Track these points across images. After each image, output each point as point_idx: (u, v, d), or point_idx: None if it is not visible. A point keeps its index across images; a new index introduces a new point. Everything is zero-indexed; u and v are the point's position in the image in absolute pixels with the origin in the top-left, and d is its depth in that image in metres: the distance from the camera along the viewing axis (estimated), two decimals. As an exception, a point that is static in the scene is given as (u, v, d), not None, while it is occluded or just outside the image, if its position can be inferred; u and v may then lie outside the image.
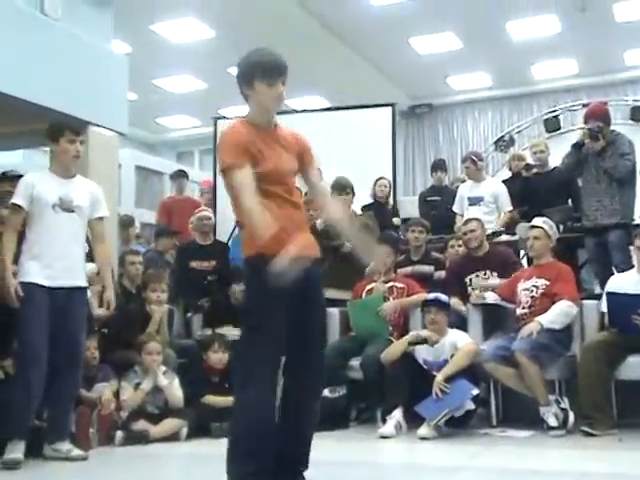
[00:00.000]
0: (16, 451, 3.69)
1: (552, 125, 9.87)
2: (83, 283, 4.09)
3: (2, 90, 5.18)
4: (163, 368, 4.71)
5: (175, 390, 4.66)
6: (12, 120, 5.78)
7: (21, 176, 4.26)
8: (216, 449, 4.21)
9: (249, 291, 2.78)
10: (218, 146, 2.80)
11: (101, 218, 4.19)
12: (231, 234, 6.50)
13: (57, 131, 4.05)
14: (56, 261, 3.92)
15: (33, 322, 3.80)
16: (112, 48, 6.61)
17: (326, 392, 4.70)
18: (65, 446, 3.90)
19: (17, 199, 3.94)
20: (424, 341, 4.63)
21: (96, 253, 4.24)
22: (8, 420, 3.76)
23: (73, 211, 4.02)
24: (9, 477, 3.51)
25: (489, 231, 5.84)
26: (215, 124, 8.57)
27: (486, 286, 5.12)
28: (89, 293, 4.88)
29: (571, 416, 4.40)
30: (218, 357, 4.89)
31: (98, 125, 5.95)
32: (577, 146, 5.66)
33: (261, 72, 2.76)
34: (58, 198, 3.97)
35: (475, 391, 4.42)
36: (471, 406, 4.46)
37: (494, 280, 5.17)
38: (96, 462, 3.92)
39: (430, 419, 4.33)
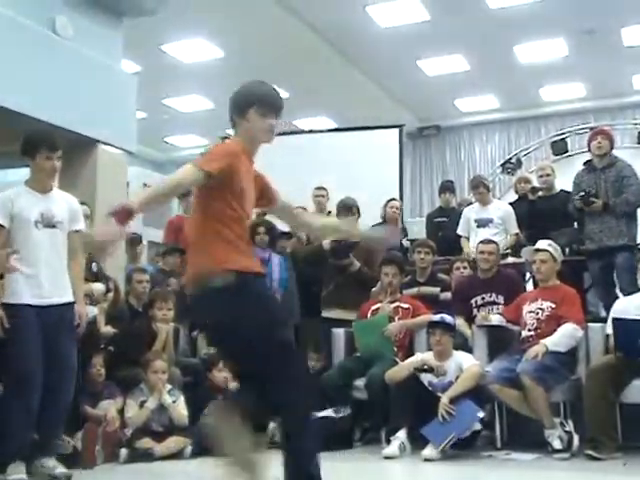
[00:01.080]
0: (19, 472, 3.68)
1: (559, 148, 9.89)
2: (71, 298, 3.98)
3: (13, 108, 5.24)
4: (169, 386, 4.72)
5: (180, 408, 4.67)
6: (17, 137, 5.81)
7: None
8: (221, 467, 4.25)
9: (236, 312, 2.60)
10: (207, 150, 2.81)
11: (77, 231, 4.06)
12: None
13: (32, 147, 3.89)
14: (43, 279, 3.83)
15: (26, 345, 3.73)
16: (122, 67, 6.69)
17: (330, 412, 4.71)
18: (51, 462, 3.85)
19: None
20: (431, 369, 4.62)
21: (70, 267, 4.02)
22: (9, 442, 3.73)
23: (55, 226, 3.92)
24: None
25: (496, 253, 5.85)
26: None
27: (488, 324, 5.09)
28: (96, 311, 4.92)
29: (576, 439, 4.38)
30: (223, 376, 4.90)
31: (107, 144, 6.00)
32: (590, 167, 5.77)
33: (259, 102, 2.78)
34: (39, 214, 3.87)
35: (481, 413, 4.41)
36: (477, 427, 4.45)
37: (495, 317, 5.14)
38: (100, 479, 3.92)
39: (437, 443, 4.32)
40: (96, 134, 5.76)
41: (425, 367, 4.63)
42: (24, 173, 4.10)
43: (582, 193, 5.62)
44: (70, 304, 3.97)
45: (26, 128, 5.49)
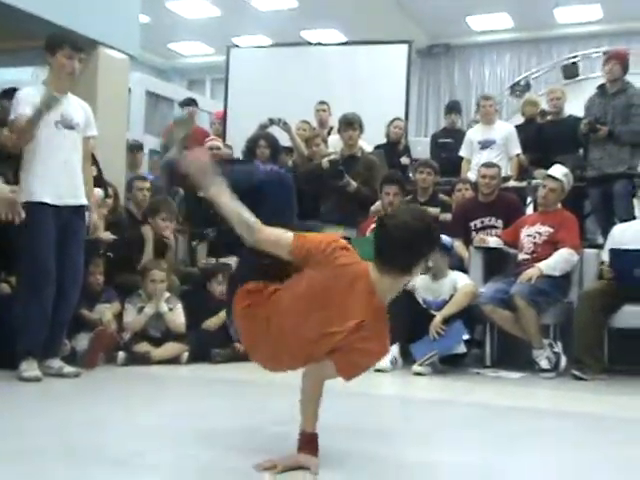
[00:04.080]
0: (34, 368, 3.77)
1: (570, 72, 9.67)
2: (85, 201, 4.05)
3: (8, 2, 5.07)
4: (167, 294, 4.79)
5: (177, 315, 4.76)
6: (19, 35, 5.64)
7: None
8: (215, 373, 4.37)
9: None
10: None
11: (92, 137, 4.14)
12: (239, 165, 6.49)
13: (56, 43, 3.89)
14: (61, 179, 3.89)
15: (42, 241, 3.81)
16: (126, -32, 6.46)
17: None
18: (57, 363, 3.96)
19: (20, 109, 3.77)
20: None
21: (83, 171, 4.09)
22: (24, 337, 3.81)
23: (73, 128, 3.97)
24: (23, 393, 3.60)
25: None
26: (228, 53, 8.49)
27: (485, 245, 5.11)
28: (95, 217, 4.93)
29: (563, 360, 4.49)
30: (221, 289, 4.96)
31: (108, 46, 5.86)
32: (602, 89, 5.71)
33: None
34: (59, 115, 3.89)
35: (466, 336, 4.50)
36: (462, 349, 4.54)
37: (492, 239, 5.15)
38: (99, 380, 4.04)
39: (418, 359, 4.45)
40: (97, 35, 5.58)
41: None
42: (20, 72, 4.03)
43: (589, 119, 5.56)
44: (82, 207, 4.04)
45: (22, 25, 5.36)
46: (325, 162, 5.53)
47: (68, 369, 3.95)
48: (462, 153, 6.53)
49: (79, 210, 4.02)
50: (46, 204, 3.84)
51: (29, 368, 3.76)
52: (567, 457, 2.59)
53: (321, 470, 2.16)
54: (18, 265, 3.97)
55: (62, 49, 3.87)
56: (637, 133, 5.50)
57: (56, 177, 3.88)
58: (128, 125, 7.07)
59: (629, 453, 2.64)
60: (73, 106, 4.03)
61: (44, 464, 2.29)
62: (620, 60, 5.68)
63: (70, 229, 3.95)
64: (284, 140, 6.30)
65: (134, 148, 6.90)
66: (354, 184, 5.53)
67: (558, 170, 4.93)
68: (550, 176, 4.90)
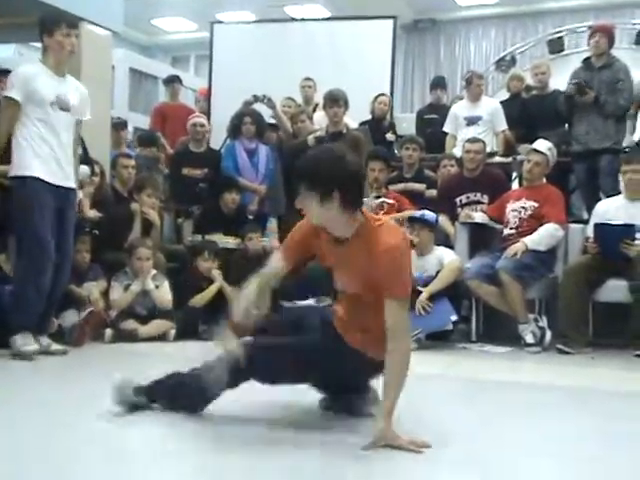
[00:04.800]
0: (29, 343, 3.78)
1: (556, 46, 9.64)
2: (75, 185, 4.09)
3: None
4: (153, 271, 4.78)
5: (164, 293, 4.76)
6: (1, 11, 5.58)
7: (9, 71, 4.16)
8: (203, 350, 4.37)
9: None
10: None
11: (81, 121, 4.13)
12: (224, 143, 6.47)
13: (53, 23, 3.88)
14: (54, 160, 3.88)
15: (39, 216, 3.79)
16: (108, -58, 6.36)
17: (311, 302, 4.81)
18: (45, 340, 3.96)
19: (12, 92, 3.79)
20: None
21: (75, 154, 4.14)
22: (19, 313, 3.81)
23: (68, 110, 3.96)
24: (17, 369, 3.62)
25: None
26: (212, 29, 8.41)
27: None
28: (81, 194, 4.91)
29: (548, 334, 4.53)
30: (207, 265, 4.96)
31: (91, 22, 5.80)
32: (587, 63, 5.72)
33: None
34: (55, 96, 3.88)
35: (454, 317, 4.53)
36: (449, 327, 4.58)
37: (478, 214, 5.17)
38: (85, 357, 4.04)
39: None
40: (80, 11, 5.50)
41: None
42: (2, 49, 3.99)
43: (577, 80, 5.56)
44: (73, 190, 4.06)
45: (4, 2, 5.29)
46: (311, 139, 5.50)
47: (56, 346, 3.97)
48: (446, 129, 6.49)
49: (71, 192, 4.02)
50: (43, 180, 3.82)
51: (27, 342, 3.77)
52: (552, 430, 2.62)
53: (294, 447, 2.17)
54: (17, 241, 3.96)
55: (60, 28, 3.86)
56: (621, 107, 5.52)
57: (48, 158, 3.86)
58: (112, 102, 7.00)
59: (613, 426, 2.68)
60: (70, 88, 4.01)
61: (29, 439, 2.30)
62: (606, 33, 5.67)
63: (63, 209, 3.95)
64: (269, 117, 6.27)
65: (118, 126, 6.84)
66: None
67: (542, 144, 4.94)
68: (535, 150, 4.91)
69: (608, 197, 5.05)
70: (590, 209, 5.18)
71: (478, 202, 5.31)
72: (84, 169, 4.80)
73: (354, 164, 2.38)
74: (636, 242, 4.41)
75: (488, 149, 6.21)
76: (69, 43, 3.90)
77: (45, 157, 3.85)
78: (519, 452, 2.33)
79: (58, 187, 3.90)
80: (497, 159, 6.14)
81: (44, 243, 3.80)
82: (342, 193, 2.29)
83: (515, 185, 6.21)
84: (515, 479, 2.09)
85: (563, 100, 5.79)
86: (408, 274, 2.38)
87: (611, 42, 5.69)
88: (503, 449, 2.38)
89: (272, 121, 6.34)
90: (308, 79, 7.04)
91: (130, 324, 4.57)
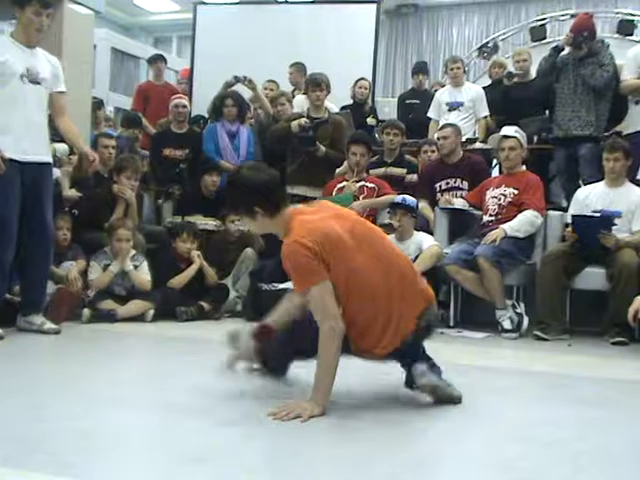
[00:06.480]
0: None
1: (538, 34, 9.68)
2: (49, 159, 4.00)
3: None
4: (132, 252, 4.76)
5: (143, 274, 4.74)
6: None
7: None
8: (180, 331, 4.38)
9: None
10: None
11: (62, 92, 4.06)
12: (205, 125, 6.44)
13: None
14: (25, 135, 3.81)
15: (3, 197, 3.74)
16: None
17: (290, 285, 4.80)
18: (39, 319, 3.96)
19: None
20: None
21: (61, 126, 4.06)
22: None
23: (39, 83, 3.88)
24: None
25: (464, 138, 5.85)
26: (195, 10, 8.33)
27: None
28: (59, 173, 4.85)
29: (525, 321, 4.57)
30: (186, 247, 4.95)
31: (73, 1, 5.72)
32: (557, 50, 5.72)
33: None
34: (25, 69, 3.81)
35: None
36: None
37: (458, 200, 5.19)
38: (64, 337, 4.01)
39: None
40: (61, -10, 5.46)
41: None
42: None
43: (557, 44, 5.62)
44: (48, 164, 3.99)
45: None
46: (295, 125, 5.48)
47: (49, 325, 3.96)
48: (430, 114, 6.53)
49: (45, 167, 3.95)
50: (11, 159, 3.74)
51: None
52: (527, 415, 2.65)
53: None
54: None
55: (31, 5, 3.79)
56: (607, 83, 5.50)
57: (19, 132, 3.79)
58: (93, 82, 6.92)
59: (588, 411, 2.71)
60: (40, 60, 3.93)
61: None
62: (587, 29, 5.65)
63: (37, 187, 3.88)
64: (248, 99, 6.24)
65: (95, 105, 6.75)
66: (323, 149, 5.50)
67: (509, 129, 5.00)
68: (505, 136, 4.95)
69: (587, 184, 5.09)
70: (569, 196, 5.22)
71: (458, 188, 5.33)
72: (62, 146, 4.75)
73: (260, 178, 2.58)
74: (613, 232, 4.46)
75: (470, 135, 6.26)
76: (38, 21, 3.82)
77: (14, 133, 3.77)
78: (493, 436, 2.36)
79: (29, 163, 3.83)
80: (478, 145, 6.17)
81: (7, 228, 3.75)
82: (261, 206, 2.54)
83: (495, 172, 6.24)
84: (489, 463, 2.11)
85: (548, 54, 5.84)
86: (301, 270, 2.45)
87: (593, 35, 5.67)
88: (479, 434, 2.40)
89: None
90: (298, 64, 7.01)
91: (108, 304, 4.56)
